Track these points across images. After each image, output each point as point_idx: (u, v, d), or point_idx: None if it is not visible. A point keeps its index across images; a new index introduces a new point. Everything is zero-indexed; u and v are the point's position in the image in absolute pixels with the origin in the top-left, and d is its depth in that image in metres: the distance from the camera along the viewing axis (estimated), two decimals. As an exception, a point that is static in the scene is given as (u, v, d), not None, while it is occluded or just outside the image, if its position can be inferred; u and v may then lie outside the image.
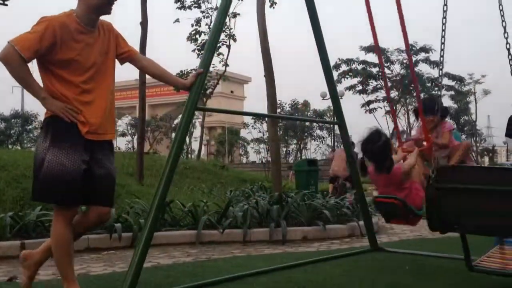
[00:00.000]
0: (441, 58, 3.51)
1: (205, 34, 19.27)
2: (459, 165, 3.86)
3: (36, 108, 44.86)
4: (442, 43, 3.52)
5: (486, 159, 60.10)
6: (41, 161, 2.77)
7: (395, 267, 4.07)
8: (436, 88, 34.54)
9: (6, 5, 14.27)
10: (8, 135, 37.96)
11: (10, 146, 35.61)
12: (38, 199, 2.91)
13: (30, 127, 38.87)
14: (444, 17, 3.57)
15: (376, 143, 3.75)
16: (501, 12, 3.61)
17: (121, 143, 48.27)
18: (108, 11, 2.94)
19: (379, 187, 4.00)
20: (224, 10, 3.60)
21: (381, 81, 34.44)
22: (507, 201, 2.77)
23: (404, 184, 3.81)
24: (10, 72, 2.71)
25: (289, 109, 43.69)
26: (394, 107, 35.95)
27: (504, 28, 3.50)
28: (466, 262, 3.11)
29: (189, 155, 41.47)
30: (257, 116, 26.09)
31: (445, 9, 3.58)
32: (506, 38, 3.44)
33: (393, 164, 3.80)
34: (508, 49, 3.43)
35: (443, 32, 3.53)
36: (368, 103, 35.89)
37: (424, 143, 4.19)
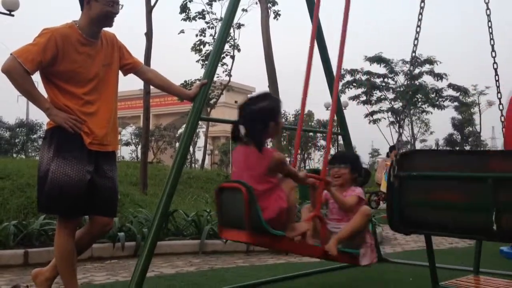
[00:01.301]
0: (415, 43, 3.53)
1: (209, 45, 19.38)
2: (424, 149, 3.72)
3: (41, 117, 45.05)
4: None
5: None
6: (45, 172, 2.78)
7: (399, 278, 4.04)
8: (440, 99, 34.56)
9: (13, 15, 14.44)
10: (12, 144, 38.06)
11: (14, 155, 35.70)
12: (43, 210, 2.93)
13: (34, 136, 38.96)
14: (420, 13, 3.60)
15: (258, 103, 2.86)
16: (490, 29, 3.62)
17: (125, 153, 48.37)
18: (109, 24, 2.96)
19: (235, 169, 2.94)
20: (228, 21, 3.62)
21: (385, 91, 34.54)
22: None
23: (269, 178, 2.77)
24: (14, 84, 2.73)
25: (293, 119, 43.71)
26: (398, 118, 35.98)
27: (492, 46, 3.54)
28: (431, 278, 2.81)
29: (193, 165, 41.48)
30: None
31: (422, 5, 3.61)
32: (494, 57, 3.49)
33: (265, 140, 2.84)
34: (495, 69, 3.48)
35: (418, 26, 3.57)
36: (372, 113, 35.88)
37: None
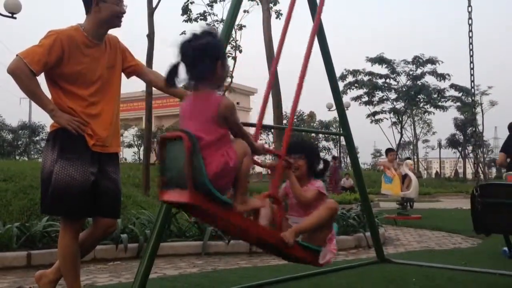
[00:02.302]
0: None
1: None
2: (496, 183, 4.16)
3: (44, 119, 45.15)
4: None
5: (494, 170, 59.70)
6: (49, 174, 2.78)
7: (402, 279, 4.04)
8: (442, 100, 34.52)
9: (15, 18, 14.47)
10: (15, 146, 38.14)
11: (17, 157, 35.77)
12: (47, 211, 2.93)
13: (37, 138, 39.04)
14: None
15: (202, 39, 2.45)
16: (470, 39, 3.66)
17: (128, 154, 48.41)
18: (118, 24, 2.98)
19: (183, 119, 2.52)
20: (230, 23, 3.63)
21: (387, 92, 34.50)
22: None
23: (217, 127, 2.39)
24: (19, 85, 2.74)
25: (295, 120, 43.74)
26: (400, 118, 35.95)
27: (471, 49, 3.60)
28: (507, 252, 4.02)
29: (195, 166, 41.49)
30: (264, 128, 26.12)
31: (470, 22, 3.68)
32: (471, 63, 3.59)
33: (210, 81, 2.45)
34: (472, 74, 3.60)
35: None
36: (374, 114, 35.87)
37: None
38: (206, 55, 2.42)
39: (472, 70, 3.68)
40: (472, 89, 3.67)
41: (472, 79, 3.69)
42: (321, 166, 3.19)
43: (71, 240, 2.83)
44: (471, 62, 3.68)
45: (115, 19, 2.95)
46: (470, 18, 3.68)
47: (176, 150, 2.34)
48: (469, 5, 3.70)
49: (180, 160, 2.29)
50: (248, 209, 2.56)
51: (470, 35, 3.68)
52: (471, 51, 3.68)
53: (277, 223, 2.78)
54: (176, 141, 2.34)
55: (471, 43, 3.69)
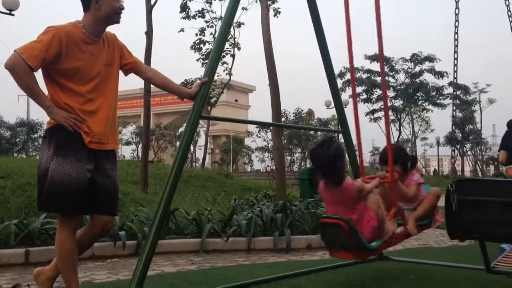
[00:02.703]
0: None
1: (209, 44, 19.37)
2: (476, 178, 4.01)
3: (42, 116, 45.09)
4: None
5: (492, 168, 59.82)
6: (45, 171, 2.78)
7: (400, 275, 4.05)
8: (440, 97, 34.55)
9: (13, 15, 14.43)
10: (13, 143, 38.09)
11: (15, 154, 35.72)
12: (43, 208, 2.92)
13: (35, 135, 38.99)
14: None
15: (327, 150, 3.20)
16: (455, 36, 3.65)
17: (126, 152, 48.40)
18: (117, 21, 2.97)
19: (327, 205, 3.40)
20: (228, 20, 3.62)
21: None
22: None
23: (356, 205, 3.25)
24: (17, 80, 2.72)
25: (293, 117, 43.70)
26: (399, 116, 35.99)
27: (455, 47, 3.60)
28: (485, 264, 3.47)
29: (194, 164, 41.48)
30: (262, 125, 26.13)
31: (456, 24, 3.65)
32: (455, 60, 3.57)
33: (344, 177, 3.26)
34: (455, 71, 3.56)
35: None
36: (373, 112, 35.89)
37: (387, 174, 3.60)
38: (330, 162, 3.19)
39: (456, 60, 3.62)
40: (455, 79, 3.64)
41: (455, 69, 3.63)
42: (409, 163, 3.95)
43: (68, 237, 2.83)
44: (455, 56, 3.64)
45: (115, 16, 2.94)
46: (456, 20, 3.67)
47: (335, 228, 3.18)
48: (457, 7, 3.69)
49: (341, 235, 3.16)
50: (389, 236, 3.41)
51: (456, 37, 3.64)
52: (456, 47, 3.62)
53: (404, 226, 3.62)
54: (331, 223, 3.21)
55: (456, 41, 3.66)
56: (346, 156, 3.65)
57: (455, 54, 3.60)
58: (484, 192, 3.10)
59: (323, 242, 3.41)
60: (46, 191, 2.75)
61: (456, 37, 3.60)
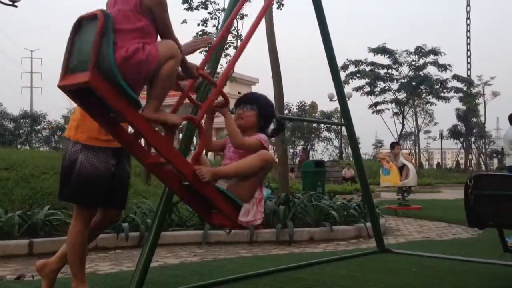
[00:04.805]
0: None
1: (212, 35, 19.31)
2: (491, 173, 4.00)
3: (45, 108, 45.10)
4: None
5: (495, 161, 59.67)
6: (71, 162, 2.79)
7: (402, 269, 4.05)
8: (445, 90, 34.41)
9: (16, 6, 14.41)
10: (17, 135, 38.18)
11: (19, 146, 35.82)
12: (67, 199, 2.88)
13: (38, 127, 39.08)
14: None
15: None
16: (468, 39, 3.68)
17: (129, 144, 48.44)
18: None
19: (106, 6, 2.33)
20: (232, 12, 3.60)
21: (389, 82, 34.40)
22: None
23: (140, 18, 2.17)
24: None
25: (297, 110, 43.65)
26: (402, 109, 35.89)
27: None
28: (502, 244, 3.65)
29: (197, 156, 41.52)
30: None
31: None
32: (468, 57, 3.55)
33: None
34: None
35: None
36: (376, 104, 35.77)
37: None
38: None
39: (469, 58, 3.64)
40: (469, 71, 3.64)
41: (469, 67, 3.66)
42: (273, 126, 2.85)
43: (83, 228, 2.85)
44: (468, 53, 3.65)
45: None
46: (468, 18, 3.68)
47: (89, 32, 2.03)
48: (468, 5, 3.71)
49: (90, 42, 2.00)
50: (158, 118, 2.23)
51: (468, 35, 3.66)
52: (468, 45, 3.65)
53: (193, 154, 2.45)
54: (91, 22, 2.04)
55: (468, 36, 3.67)
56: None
57: (468, 52, 3.63)
58: (499, 185, 3.34)
59: (63, 59, 2.08)
60: (74, 182, 2.76)
61: (468, 35, 3.63)
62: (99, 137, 2.80)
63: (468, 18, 3.72)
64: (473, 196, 3.34)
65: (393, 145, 10.61)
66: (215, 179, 2.44)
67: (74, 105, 2.53)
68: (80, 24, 2.09)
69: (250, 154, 2.53)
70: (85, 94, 2.14)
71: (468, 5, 3.73)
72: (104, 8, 2.27)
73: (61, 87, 2.09)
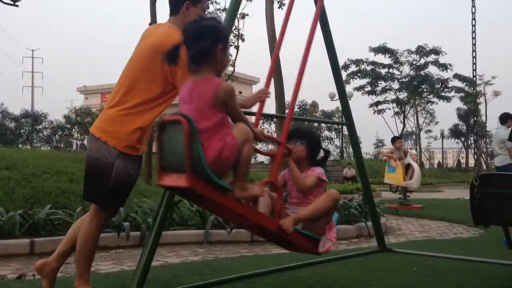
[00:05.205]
0: None
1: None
2: (497, 173, 4.03)
3: (46, 108, 45.24)
4: None
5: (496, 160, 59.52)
6: (105, 164, 2.74)
7: (403, 268, 4.05)
8: (445, 90, 34.39)
9: (17, 5, 14.41)
10: (18, 134, 38.22)
11: (20, 145, 35.86)
12: (94, 201, 2.84)
13: (40, 126, 39.11)
14: None
15: (205, 21, 2.49)
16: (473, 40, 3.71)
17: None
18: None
19: (181, 104, 2.47)
20: (233, 11, 3.60)
21: (390, 82, 34.38)
22: None
23: (216, 113, 2.35)
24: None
25: (298, 109, 43.66)
26: (403, 108, 35.87)
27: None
28: (508, 242, 3.66)
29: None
30: (265, 117, 26.17)
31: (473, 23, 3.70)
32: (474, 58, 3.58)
33: (212, 66, 2.43)
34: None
35: None
36: (377, 103, 35.77)
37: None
38: (206, 35, 2.39)
39: (474, 59, 3.66)
40: (474, 78, 3.67)
41: (474, 67, 3.68)
42: (321, 154, 3.19)
43: (98, 230, 2.85)
44: (474, 53, 3.67)
45: None
46: (473, 19, 3.71)
47: (175, 134, 2.29)
48: (473, 6, 3.73)
49: (179, 144, 2.25)
50: (246, 195, 2.53)
51: (474, 35, 3.68)
52: (474, 46, 3.67)
53: (276, 210, 2.70)
54: (175, 125, 2.28)
55: (474, 37, 3.68)
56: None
57: (474, 53, 3.66)
58: (503, 185, 3.45)
59: (158, 159, 2.42)
60: (108, 187, 2.73)
61: (473, 36, 3.65)
62: (136, 146, 2.79)
63: (473, 19, 3.73)
64: (478, 195, 3.41)
65: (394, 140, 10.61)
66: (296, 224, 2.76)
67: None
68: (164, 126, 2.37)
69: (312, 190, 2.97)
70: (185, 192, 2.52)
71: (473, 6, 3.73)
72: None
73: (162, 185, 2.52)
